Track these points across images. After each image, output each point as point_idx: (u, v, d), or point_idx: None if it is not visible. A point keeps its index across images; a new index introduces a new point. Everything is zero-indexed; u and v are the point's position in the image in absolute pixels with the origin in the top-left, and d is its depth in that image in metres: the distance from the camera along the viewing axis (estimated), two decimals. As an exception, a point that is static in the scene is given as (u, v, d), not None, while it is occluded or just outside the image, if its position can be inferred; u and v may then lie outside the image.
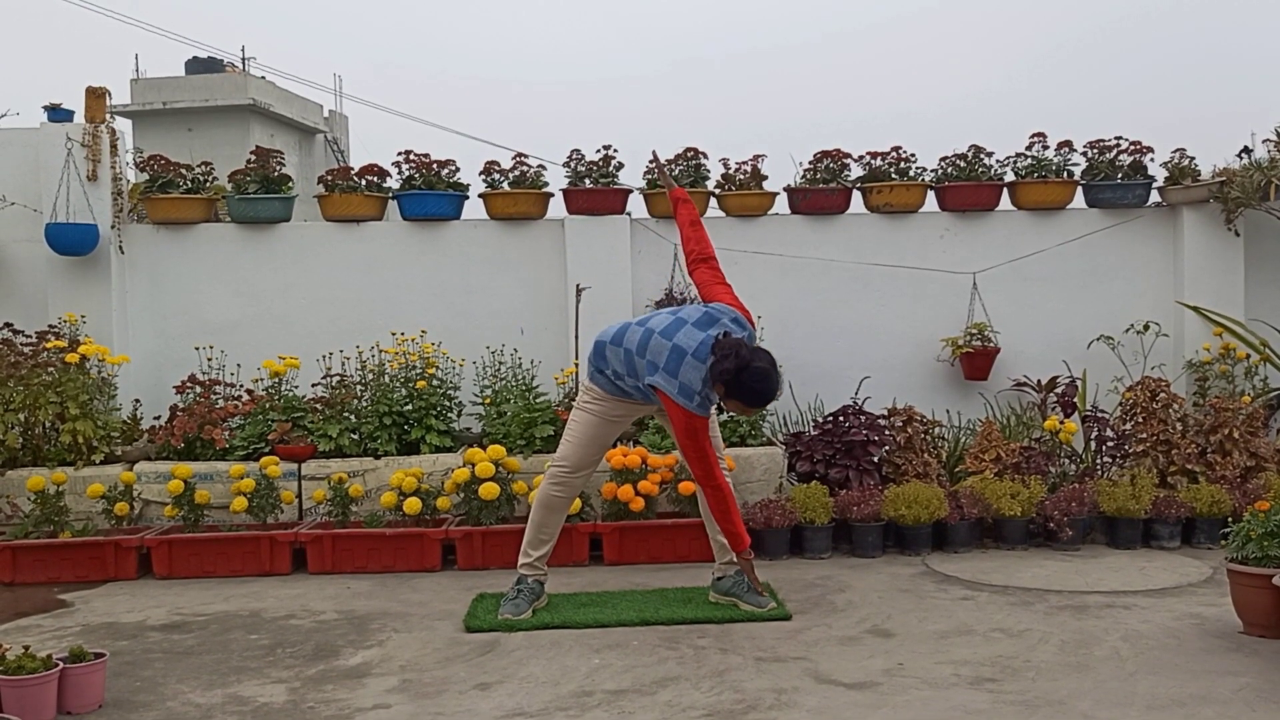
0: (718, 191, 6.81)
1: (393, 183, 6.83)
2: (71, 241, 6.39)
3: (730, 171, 6.80)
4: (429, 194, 6.71)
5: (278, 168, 6.82)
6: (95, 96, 6.62)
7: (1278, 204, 6.48)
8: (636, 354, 4.16)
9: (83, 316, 6.36)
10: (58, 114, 6.63)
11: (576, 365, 6.05)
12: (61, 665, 3.41)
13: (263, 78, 24.50)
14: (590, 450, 4.43)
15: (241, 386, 6.29)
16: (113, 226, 6.57)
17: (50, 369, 5.80)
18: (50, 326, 6.25)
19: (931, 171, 6.88)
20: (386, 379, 6.11)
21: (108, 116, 6.68)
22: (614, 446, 5.68)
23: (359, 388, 6.11)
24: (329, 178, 6.87)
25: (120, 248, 6.63)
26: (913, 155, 6.84)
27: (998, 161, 6.83)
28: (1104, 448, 6.11)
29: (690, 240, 4.54)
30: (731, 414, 5.90)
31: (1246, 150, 6.62)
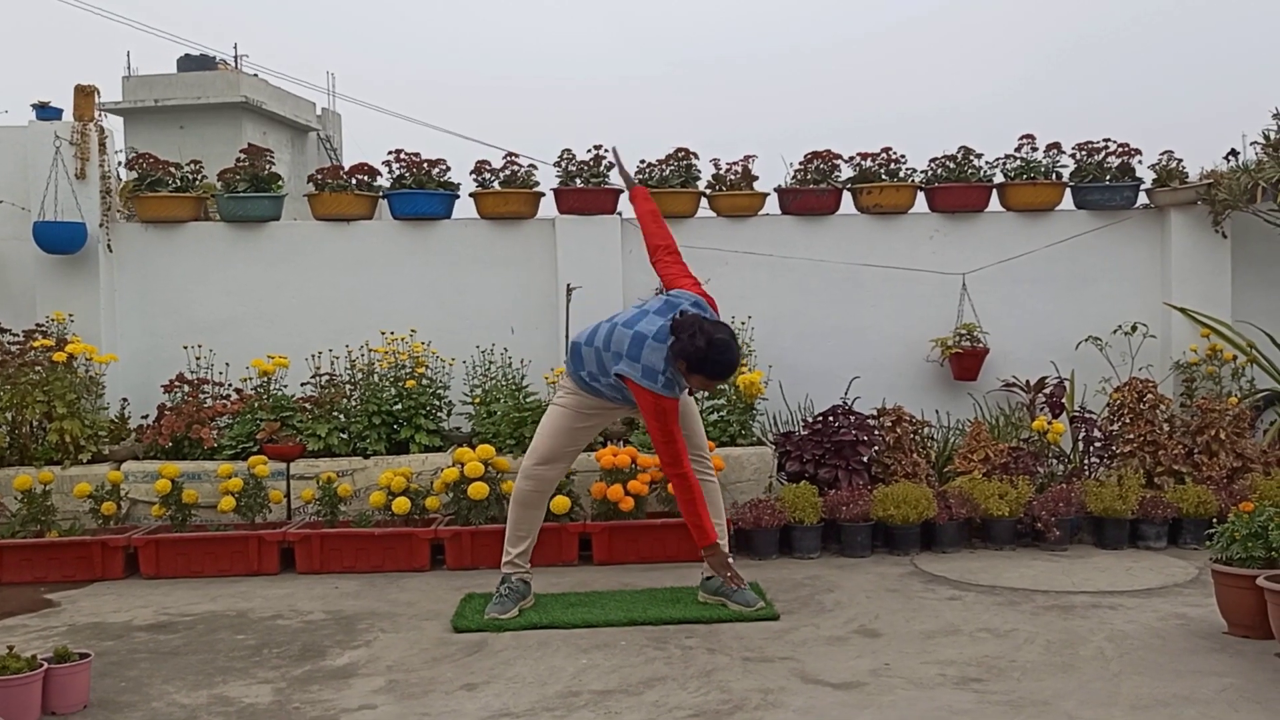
0: (708, 192, 6.81)
1: (383, 182, 6.81)
2: (59, 240, 6.38)
3: (721, 172, 6.80)
4: (419, 193, 6.70)
5: (268, 166, 6.80)
6: (84, 94, 6.61)
7: (1265, 206, 6.51)
8: (603, 349, 4.23)
9: (70, 315, 6.34)
10: (46, 112, 6.61)
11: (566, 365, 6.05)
12: (46, 665, 3.40)
13: (255, 75, 24.42)
14: (560, 443, 4.43)
15: (230, 386, 6.27)
16: (101, 225, 6.55)
17: (37, 368, 5.78)
18: (37, 325, 6.23)
19: (921, 173, 6.89)
20: (376, 378, 6.10)
21: (97, 114, 6.66)
22: (604, 445, 5.70)
23: (348, 387, 6.10)
24: (319, 176, 6.85)
25: (108, 246, 6.61)
26: (903, 156, 6.85)
27: (987, 163, 6.84)
28: (1091, 448, 6.13)
29: (652, 232, 4.66)
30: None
31: (1234, 153, 6.64)
